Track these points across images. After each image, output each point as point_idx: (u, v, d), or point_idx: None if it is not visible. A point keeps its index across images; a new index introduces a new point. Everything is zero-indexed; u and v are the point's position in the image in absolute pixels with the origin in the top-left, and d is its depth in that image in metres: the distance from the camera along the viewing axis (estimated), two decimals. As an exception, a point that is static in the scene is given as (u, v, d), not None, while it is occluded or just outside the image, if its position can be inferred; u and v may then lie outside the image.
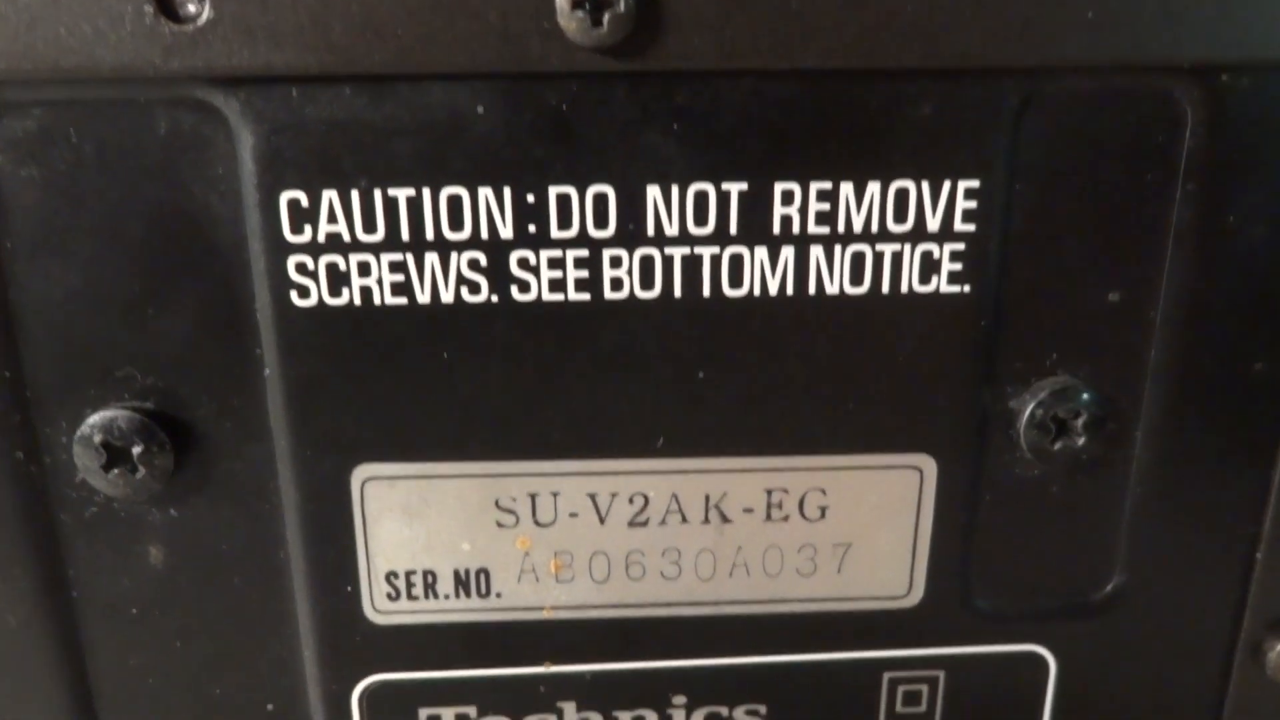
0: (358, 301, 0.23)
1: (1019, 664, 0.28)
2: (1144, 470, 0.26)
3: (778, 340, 0.24)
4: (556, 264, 0.23)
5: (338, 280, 0.23)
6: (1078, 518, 0.26)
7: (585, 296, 0.23)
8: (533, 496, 0.25)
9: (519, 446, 0.24)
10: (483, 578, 0.25)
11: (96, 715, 0.26)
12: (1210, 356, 0.25)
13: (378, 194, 0.22)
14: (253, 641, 0.26)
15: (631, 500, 0.25)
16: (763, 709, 0.28)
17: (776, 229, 0.23)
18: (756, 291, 0.23)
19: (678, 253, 0.23)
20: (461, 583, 0.25)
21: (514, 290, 0.23)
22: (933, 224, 0.23)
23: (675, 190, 0.22)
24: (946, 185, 0.23)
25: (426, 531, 0.25)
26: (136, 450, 0.23)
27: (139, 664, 0.26)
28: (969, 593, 0.27)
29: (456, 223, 0.22)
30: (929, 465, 0.25)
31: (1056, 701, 0.28)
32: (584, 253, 0.23)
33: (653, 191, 0.22)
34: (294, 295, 0.23)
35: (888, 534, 0.26)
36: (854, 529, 0.26)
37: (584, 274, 0.23)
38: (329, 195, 0.22)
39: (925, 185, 0.23)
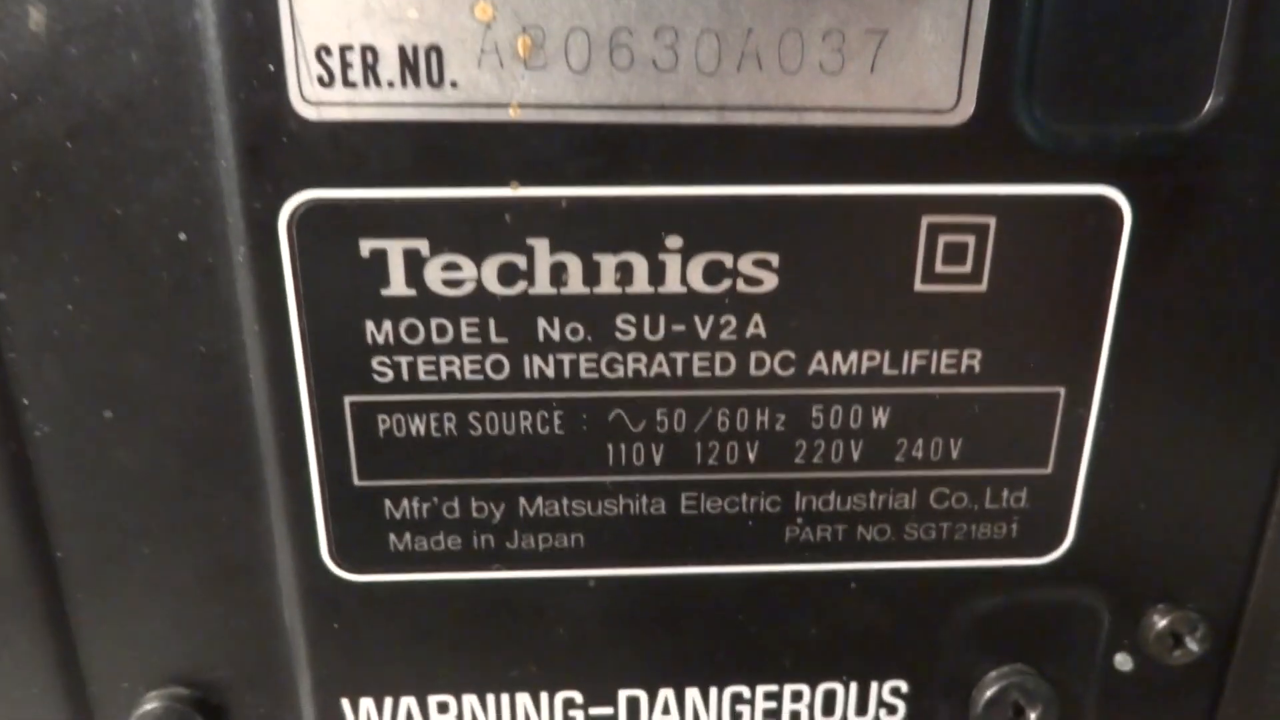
0: None
1: (1086, 211, 0.25)
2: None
3: None
4: None
5: None
6: (1169, 14, 0.23)
7: None
8: (495, -57, 0.22)
9: None
10: (434, 59, 0.23)
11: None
12: None
13: None
14: (161, 151, 0.24)
15: (617, -46, 0.22)
16: (774, 259, 0.25)
17: None
18: None
19: None
20: (409, 64, 0.23)
21: None
22: None
23: None
24: None
25: (365, -11, 0.22)
26: None
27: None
28: (1030, 112, 0.24)
29: None
30: (988, -81, 0.22)
31: (1130, 262, 0.26)
32: None
33: None
34: None
35: (933, 18, 0.23)
36: (892, 6, 0.23)
37: None
38: None
39: None
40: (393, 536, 0.28)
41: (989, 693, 0.31)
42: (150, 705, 0.30)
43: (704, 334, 0.26)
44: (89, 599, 0.29)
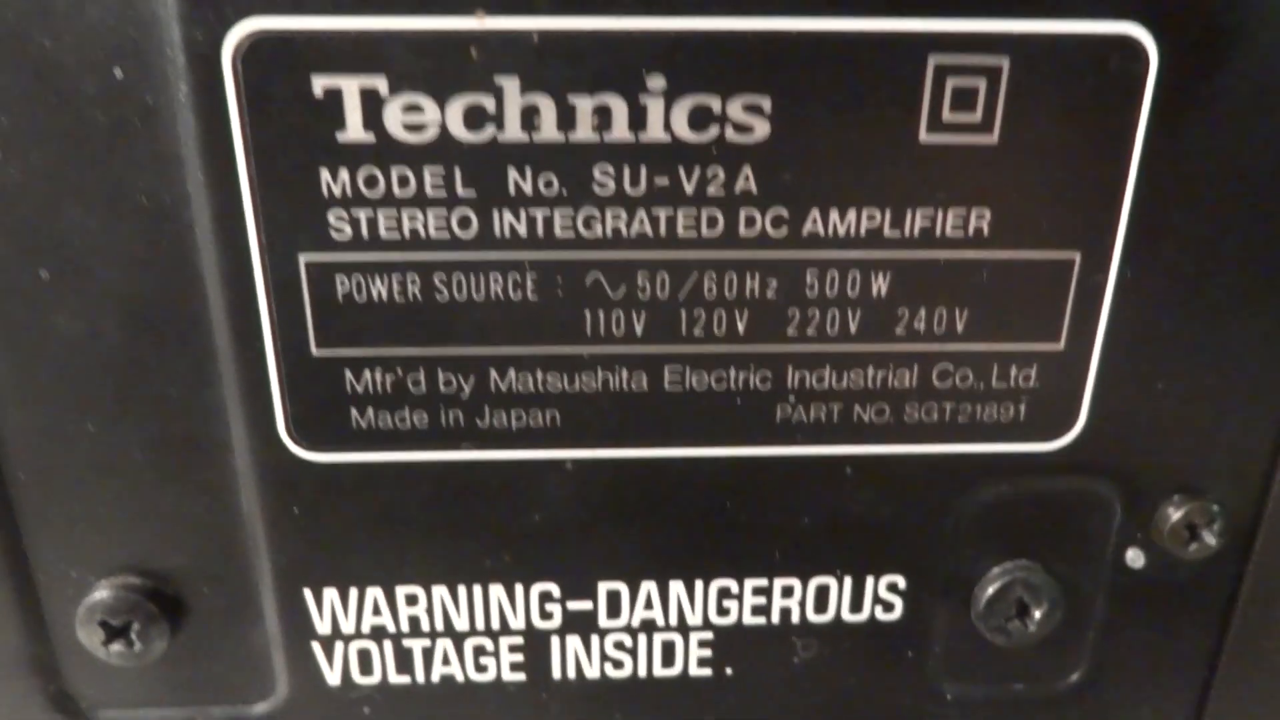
0: None
1: (1107, 51, 0.23)
2: None
3: None
4: None
5: None
6: None
7: None
8: None
9: None
10: None
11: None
12: None
13: None
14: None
15: None
16: (766, 103, 0.23)
17: None
18: None
19: None
20: (361, -127, 0.21)
21: None
22: None
23: None
24: None
25: None
26: None
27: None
28: (1048, -63, 0.22)
29: None
30: None
31: (1155, 110, 0.24)
32: None
33: None
34: None
35: None
36: None
37: None
38: None
39: None
40: (355, 412, 0.26)
41: (991, 589, 0.29)
42: (100, 594, 0.28)
43: (689, 188, 0.24)
44: (32, 480, 0.27)
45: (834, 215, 0.25)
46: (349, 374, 0.26)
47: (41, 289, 0.25)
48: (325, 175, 0.24)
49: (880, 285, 0.25)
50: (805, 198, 0.24)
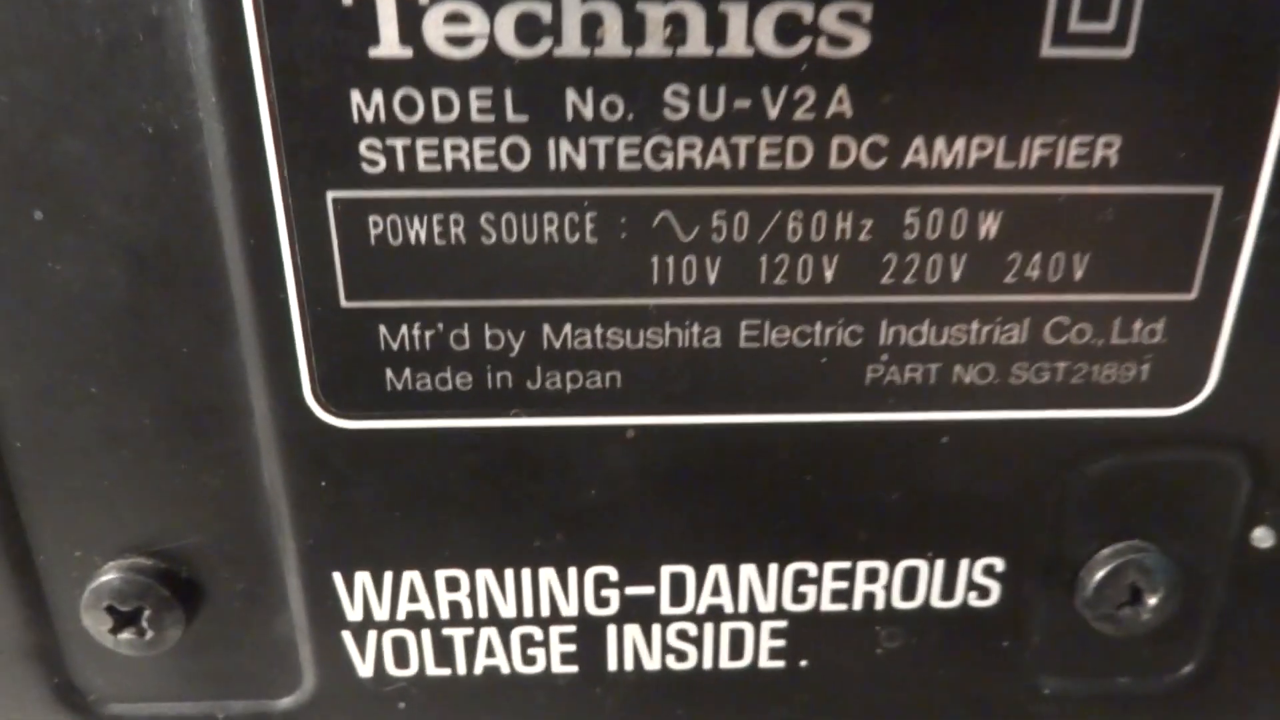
0: None
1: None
2: None
3: None
4: None
5: None
6: None
7: None
8: None
9: None
10: None
11: None
12: None
13: None
14: None
15: None
16: (865, 11, 0.21)
17: None
18: None
19: None
20: None
21: None
22: None
23: None
24: None
25: None
26: None
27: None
28: None
29: None
30: None
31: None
32: None
33: None
34: None
35: None
36: None
37: None
38: None
39: None
40: (389, 372, 0.23)
41: (1101, 573, 0.26)
42: (108, 577, 0.26)
43: (774, 112, 0.21)
44: (30, 449, 0.24)
45: (940, 144, 0.21)
46: (383, 329, 0.23)
47: (35, 231, 0.22)
48: (356, 97, 0.21)
49: (989, 226, 0.22)
50: (907, 124, 0.21)
